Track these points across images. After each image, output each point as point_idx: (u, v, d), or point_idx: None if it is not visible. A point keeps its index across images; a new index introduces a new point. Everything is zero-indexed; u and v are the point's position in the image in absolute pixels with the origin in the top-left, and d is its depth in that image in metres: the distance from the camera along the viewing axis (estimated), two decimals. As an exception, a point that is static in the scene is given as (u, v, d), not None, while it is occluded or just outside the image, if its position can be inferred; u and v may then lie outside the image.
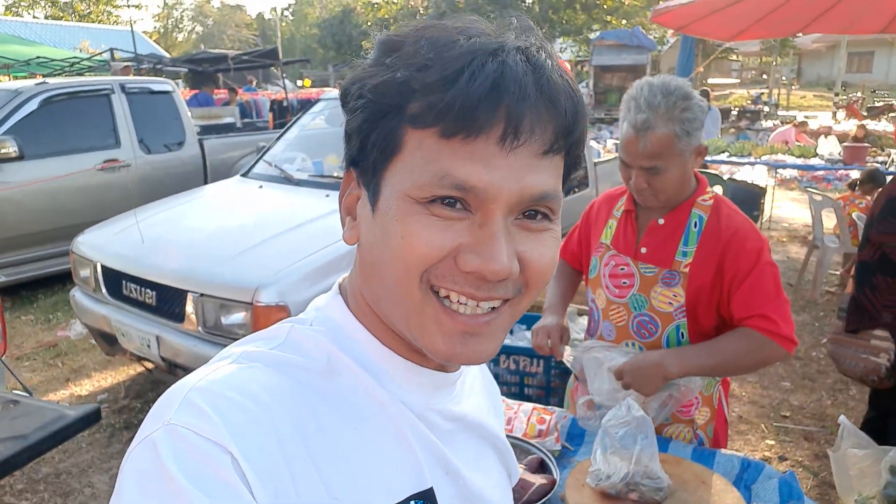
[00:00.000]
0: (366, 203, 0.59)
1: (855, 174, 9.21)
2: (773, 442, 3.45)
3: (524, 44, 0.55)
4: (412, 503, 0.60)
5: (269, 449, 0.52)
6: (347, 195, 0.62)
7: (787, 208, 9.02)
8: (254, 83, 12.05)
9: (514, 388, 2.96)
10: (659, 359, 1.62)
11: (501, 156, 0.53)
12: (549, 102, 0.54)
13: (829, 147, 7.31)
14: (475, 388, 0.75)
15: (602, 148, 6.05)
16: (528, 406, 1.92)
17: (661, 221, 1.73)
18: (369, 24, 26.86)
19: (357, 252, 0.64)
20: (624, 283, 1.79)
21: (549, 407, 1.94)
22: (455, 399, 0.68)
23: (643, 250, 1.75)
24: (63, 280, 5.62)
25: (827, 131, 13.49)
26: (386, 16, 26.78)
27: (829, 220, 5.64)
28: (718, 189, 6.56)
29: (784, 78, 26.92)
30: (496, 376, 3.04)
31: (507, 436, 1.71)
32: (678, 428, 1.80)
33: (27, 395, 2.20)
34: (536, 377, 2.91)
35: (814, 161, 7.21)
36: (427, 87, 0.53)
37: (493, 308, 0.57)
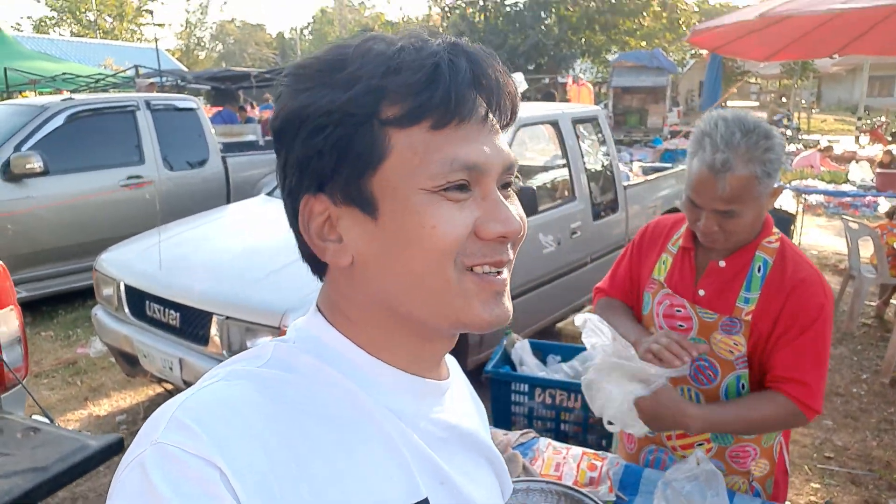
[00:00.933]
0: (359, 218, 0.60)
1: (884, 201, 9.05)
2: (818, 486, 3.28)
3: (457, 42, 0.61)
4: None
5: (257, 463, 0.52)
6: (317, 221, 0.62)
7: (814, 235, 8.82)
8: (271, 100, 12.08)
9: (549, 423, 2.83)
10: (684, 407, 1.51)
11: (484, 134, 0.60)
12: (507, 86, 0.62)
13: (861, 173, 7.15)
14: (465, 397, 0.76)
15: (630, 171, 5.93)
16: (578, 451, 1.80)
17: (723, 264, 1.60)
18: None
19: (342, 272, 0.63)
20: (680, 325, 1.66)
21: (601, 452, 1.82)
22: (446, 409, 0.68)
23: (701, 293, 1.62)
24: (84, 296, 5.58)
25: (852, 156, 13.33)
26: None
27: (865, 250, 5.47)
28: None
29: (804, 101, 26.69)
30: (530, 410, 2.91)
31: (556, 483, 1.61)
32: (733, 480, 1.66)
33: (48, 421, 2.11)
34: (574, 412, 2.78)
35: (845, 187, 7.05)
36: (409, 87, 0.57)
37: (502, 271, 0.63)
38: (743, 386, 1.61)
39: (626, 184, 5.08)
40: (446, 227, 0.58)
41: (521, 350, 3.03)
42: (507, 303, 0.63)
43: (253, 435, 0.54)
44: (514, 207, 0.63)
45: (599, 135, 4.99)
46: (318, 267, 0.66)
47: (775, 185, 1.49)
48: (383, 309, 0.62)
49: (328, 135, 0.58)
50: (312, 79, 0.60)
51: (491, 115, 0.61)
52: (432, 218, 0.58)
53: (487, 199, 0.60)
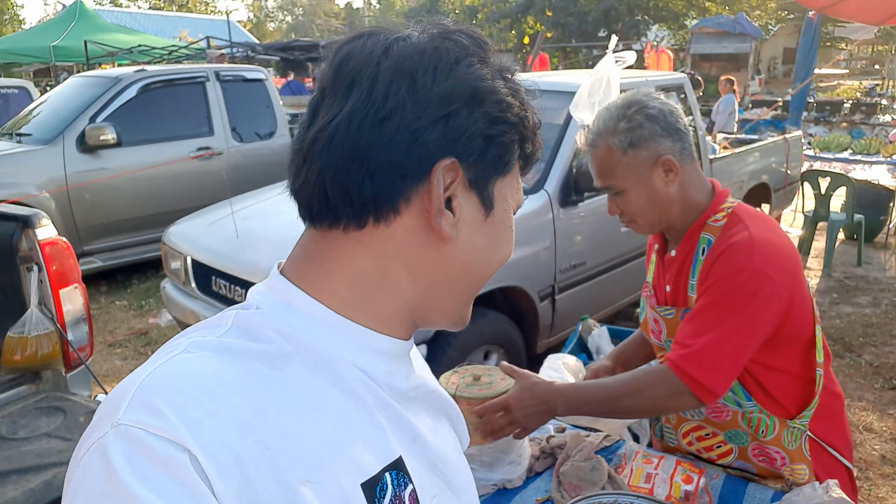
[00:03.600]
0: (474, 205, 0.63)
1: None
2: (924, 492, 2.98)
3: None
4: (386, 475, 0.59)
5: (227, 441, 0.49)
6: (442, 184, 0.60)
7: (913, 213, 8.15)
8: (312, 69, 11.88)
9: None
10: (551, 395, 1.41)
11: None
12: None
13: (974, 146, 6.49)
14: (417, 356, 0.76)
15: (715, 143, 5.56)
16: (671, 460, 1.61)
17: (673, 254, 1.52)
18: (457, 11, 26.64)
19: (410, 237, 0.62)
20: (654, 329, 1.61)
21: (697, 462, 1.62)
22: (411, 367, 0.69)
23: (667, 288, 1.55)
24: (156, 266, 5.67)
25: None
26: (475, 3, 26.47)
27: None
28: (842, 191, 5.93)
29: (899, 68, 24.79)
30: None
31: (648, 498, 1.43)
32: (769, 484, 1.52)
33: (112, 403, 2.07)
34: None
35: (956, 161, 6.43)
36: (532, 133, 0.67)
37: None
38: None
39: (711, 157, 4.74)
40: (513, 243, 0.69)
41: (599, 337, 2.82)
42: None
43: (223, 411, 0.51)
44: None
45: (685, 104, 4.65)
46: (362, 219, 0.61)
47: (655, 156, 1.41)
48: (418, 289, 0.64)
49: (505, 132, 0.63)
50: (492, 69, 0.64)
51: None
52: (511, 235, 0.69)
53: None
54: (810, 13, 6.04)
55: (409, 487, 0.61)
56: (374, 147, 0.58)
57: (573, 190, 3.41)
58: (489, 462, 1.55)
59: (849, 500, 1.21)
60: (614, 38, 2.74)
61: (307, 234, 0.65)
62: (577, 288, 3.49)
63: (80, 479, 0.48)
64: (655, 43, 15.88)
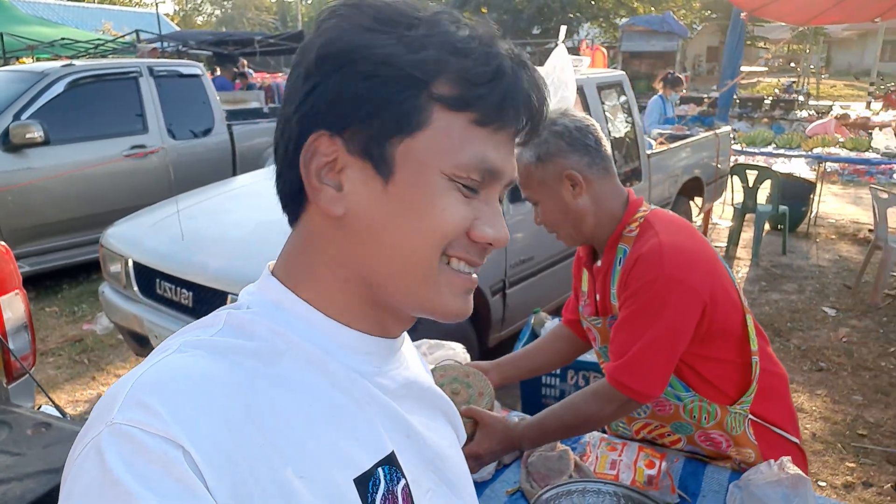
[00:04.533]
0: (367, 173, 0.58)
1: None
2: (853, 465, 3.18)
3: (522, 54, 0.62)
4: (379, 470, 0.60)
5: (221, 438, 0.50)
6: (315, 159, 0.59)
7: (831, 203, 8.65)
8: (245, 66, 11.49)
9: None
10: (515, 439, 1.52)
11: (511, 146, 0.62)
12: (545, 107, 0.63)
13: (885, 140, 6.92)
14: (412, 355, 0.76)
15: (651, 139, 5.74)
16: (634, 447, 1.67)
17: (598, 263, 1.60)
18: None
19: (326, 222, 0.61)
20: (590, 336, 1.72)
21: (659, 447, 1.69)
22: (402, 365, 0.69)
23: (597, 297, 1.63)
24: (88, 270, 5.44)
25: (865, 122, 13.01)
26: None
27: (893, 220, 5.31)
28: (768, 184, 6.23)
29: (813, 66, 26.12)
30: (562, 393, 2.79)
31: (615, 484, 1.48)
32: (719, 465, 1.63)
33: (59, 414, 1.98)
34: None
35: (868, 155, 6.84)
36: (470, 75, 0.57)
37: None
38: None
39: (649, 152, 4.90)
40: (453, 215, 0.59)
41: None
42: (472, 301, 0.65)
43: (215, 409, 0.51)
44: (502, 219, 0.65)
45: (623, 101, 4.79)
46: (295, 212, 0.64)
47: (561, 171, 1.48)
48: (354, 272, 0.62)
49: (378, 85, 0.56)
50: (380, 22, 0.58)
51: (527, 134, 0.63)
52: (444, 202, 0.59)
53: (490, 205, 0.62)
54: (742, 14, 6.32)
55: (402, 482, 0.62)
56: (278, 146, 0.63)
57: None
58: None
59: (804, 474, 1.28)
60: (564, 29, 2.80)
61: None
62: (527, 282, 3.55)
63: (75, 479, 0.48)
64: (590, 41, 16.22)
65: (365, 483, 0.58)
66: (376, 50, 0.56)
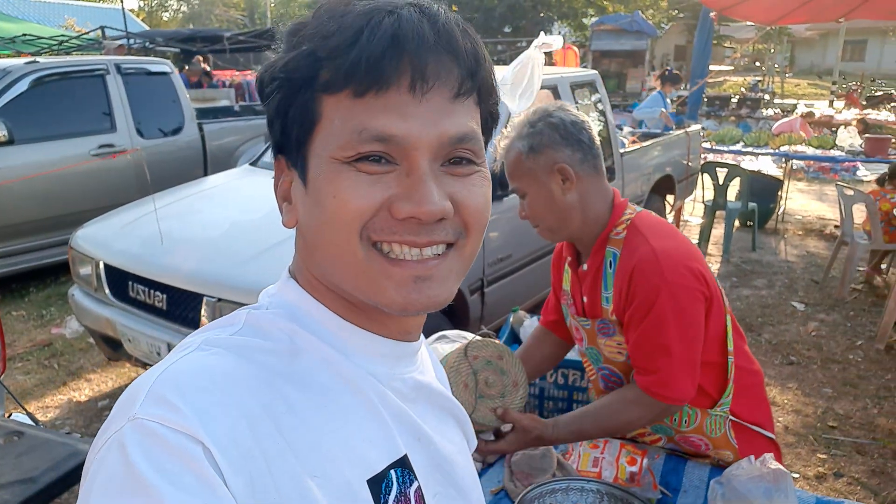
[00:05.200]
0: (298, 182, 0.60)
1: (861, 166, 9.07)
2: (824, 456, 3.25)
3: (417, 1, 0.57)
4: (391, 472, 0.60)
5: (239, 435, 0.51)
6: (281, 183, 0.63)
7: (798, 200, 8.83)
8: (201, 62, 11.26)
9: (561, 403, 2.71)
10: (549, 440, 1.53)
11: (414, 104, 0.55)
12: (450, 47, 0.56)
13: (850, 138, 7.09)
14: (428, 360, 0.76)
15: (623, 137, 5.79)
16: (616, 444, 1.69)
17: (585, 267, 1.60)
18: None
19: (298, 235, 0.64)
20: (576, 335, 1.72)
21: (639, 444, 1.70)
22: (417, 369, 0.69)
23: (584, 299, 1.63)
24: (56, 272, 5.31)
25: (829, 120, 13.32)
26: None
27: (858, 216, 5.44)
28: (737, 181, 6.34)
29: (777, 66, 26.65)
30: (542, 390, 2.80)
31: (597, 482, 1.49)
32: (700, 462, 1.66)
33: (31, 422, 1.93)
34: (587, 392, 2.67)
35: (834, 153, 7.00)
36: (332, 52, 0.54)
37: (438, 255, 0.59)
38: None
39: (622, 150, 4.94)
40: (348, 198, 0.56)
41: (530, 328, 2.89)
42: (433, 289, 0.59)
43: (234, 406, 0.52)
44: (460, 187, 0.59)
45: (596, 100, 4.83)
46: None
47: (552, 164, 1.48)
48: (322, 277, 0.62)
49: (273, 100, 0.58)
50: (292, 34, 0.59)
51: (426, 83, 0.55)
52: (337, 187, 0.56)
53: (411, 176, 0.56)
54: (711, 13, 6.42)
55: (415, 485, 0.62)
56: None
57: (498, 184, 3.46)
58: None
59: (785, 469, 1.30)
60: (542, 36, 2.81)
61: None
62: (505, 280, 3.56)
63: (97, 472, 0.49)
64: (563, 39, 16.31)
65: (378, 484, 0.59)
66: (276, 67, 0.58)
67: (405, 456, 0.62)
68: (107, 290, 3.18)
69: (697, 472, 1.61)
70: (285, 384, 0.57)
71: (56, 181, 5.11)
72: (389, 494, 0.59)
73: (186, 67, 10.26)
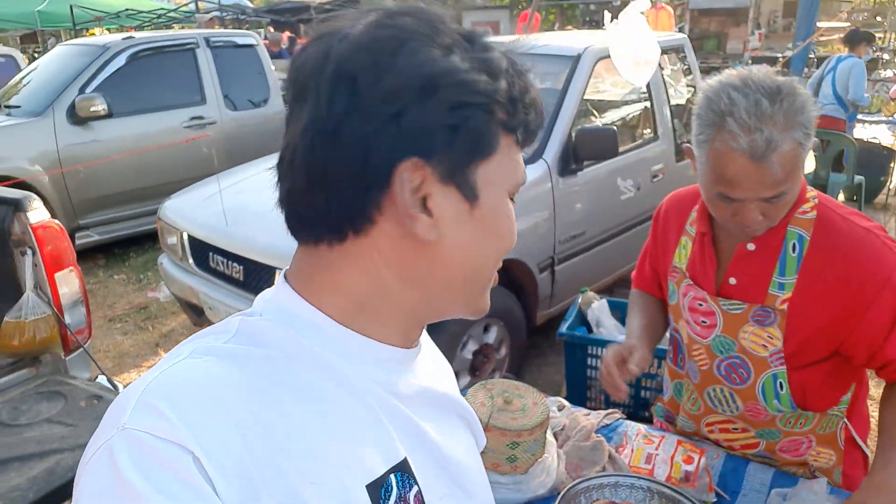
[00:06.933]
0: (453, 199, 0.59)
1: None
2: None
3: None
4: (391, 477, 0.60)
5: (231, 443, 0.51)
6: (407, 189, 0.57)
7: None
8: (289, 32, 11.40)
9: (629, 389, 2.64)
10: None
11: None
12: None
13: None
14: (433, 359, 0.76)
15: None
16: (672, 439, 1.62)
17: (752, 247, 1.37)
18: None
19: (395, 245, 0.60)
20: (703, 321, 1.48)
21: (698, 442, 1.63)
22: (417, 373, 0.68)
23: (732, 281, 1.41)
24: (153, 239, 5.62)
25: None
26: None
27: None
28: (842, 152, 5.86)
29: (902, 20, 24.25)
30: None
31: (649, 479, 1.43)
32: (790, 470, 1.52)
33: (111, 387, 2.07)
34: (655, 379, 2.58)
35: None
36: (523, 102, 0.61)
37: None
38: (781, 385, 1.41)
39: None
40: (515, 232, 0.65)
41: (598, 310, 2.82)
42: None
43: (226, 414, 0.52)
44: None
45: (684, 65, 4.57)
46: (340, 231, 0.59)
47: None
48: (423, 291, 0.63)
49: (471, 115, 0.58)
50: (453, 42, 0.59)
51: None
52: (512, 222, 0.64)
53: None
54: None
55: (415, 489, 0.62)
56: (331, 163, 0.57)
57: (573, 158, 3.36)
58: (516, 484, 1.49)
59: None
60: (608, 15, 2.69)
61: (299, 248, 0.64)
62: (577, 258, 3.47)
63: (87, 482, 0.49)
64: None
65: (377, 489, 0.58)
66: (458, 76, 0.57)
67: (405, 460, 0.62)
68: (190, 260, 3.34)
69: (759, 476, 1.52)
70: (280, 391, 0.56)
71: (151, 152, 5.39)
72: (389, 499, 0.59)
73: (266, 38, 10.50)
